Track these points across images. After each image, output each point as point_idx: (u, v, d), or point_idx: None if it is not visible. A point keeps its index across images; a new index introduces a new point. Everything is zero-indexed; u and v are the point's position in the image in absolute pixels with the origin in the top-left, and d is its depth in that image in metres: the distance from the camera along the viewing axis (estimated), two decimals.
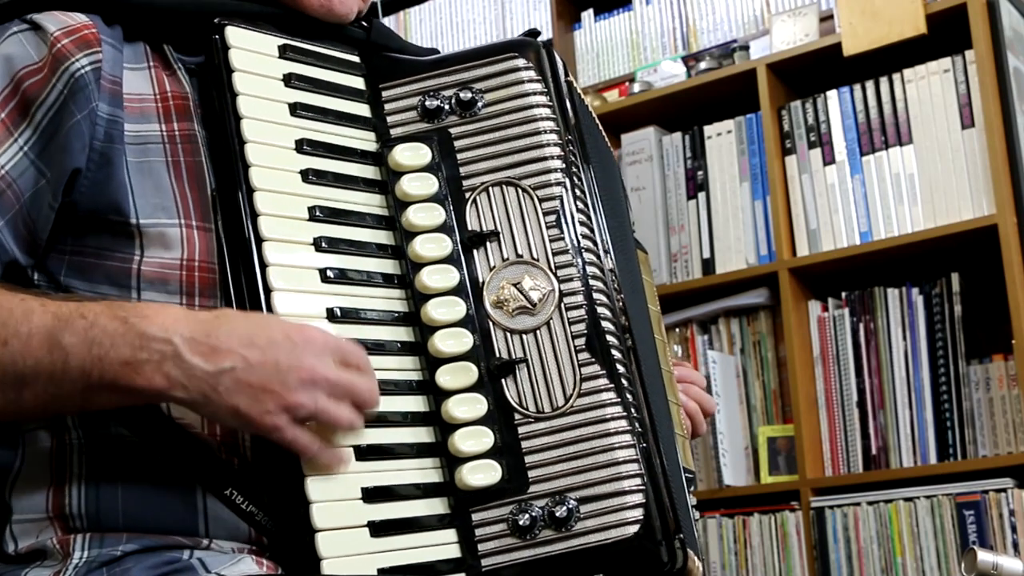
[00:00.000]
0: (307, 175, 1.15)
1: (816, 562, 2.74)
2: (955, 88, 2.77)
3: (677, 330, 3.07)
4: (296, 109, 1.17)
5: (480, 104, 1.22)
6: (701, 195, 3.05)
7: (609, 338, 1.16)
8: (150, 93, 1.16)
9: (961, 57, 2.76)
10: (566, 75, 1.28)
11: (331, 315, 1.11)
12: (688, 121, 3.11)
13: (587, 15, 3.39)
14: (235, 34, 1.16)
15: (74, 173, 1.10)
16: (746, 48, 3.05)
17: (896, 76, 2.84)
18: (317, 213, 1.13)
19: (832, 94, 2.91)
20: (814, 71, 2.96)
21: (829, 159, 2.89)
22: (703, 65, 3.09)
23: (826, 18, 2.97)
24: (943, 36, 2.77)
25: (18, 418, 1.09)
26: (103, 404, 1.05)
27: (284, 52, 1.19)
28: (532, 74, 1.23)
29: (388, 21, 3.71)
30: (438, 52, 1.30)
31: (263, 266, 1.09)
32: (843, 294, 2.87)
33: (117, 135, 1.11)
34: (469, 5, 3.58)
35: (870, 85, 2.87)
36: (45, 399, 1.03)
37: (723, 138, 3.05)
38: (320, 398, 1.03)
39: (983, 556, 1.40)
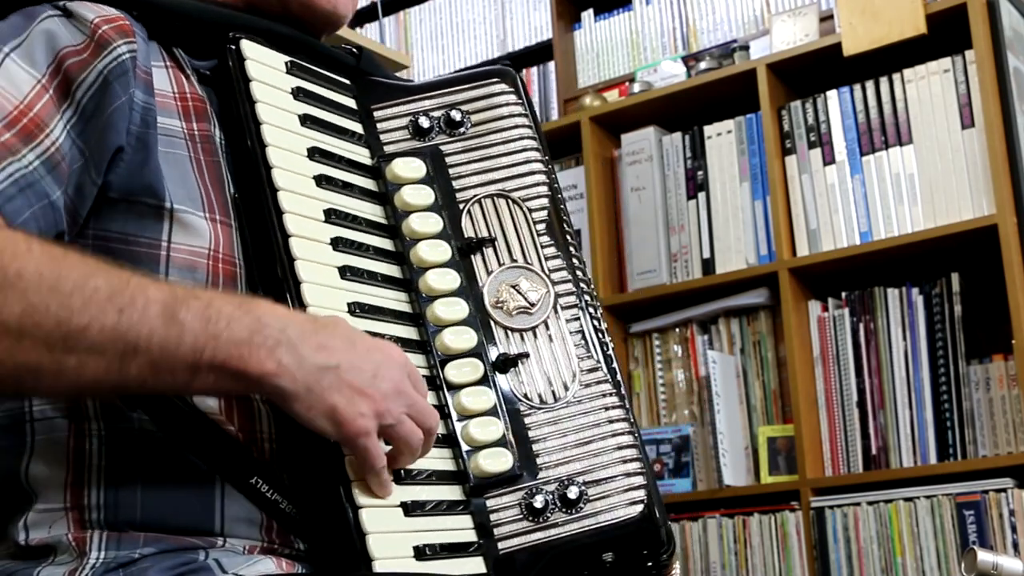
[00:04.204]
0: (320, 180, 1.20)
1: (816, 562, 2.75)
2: (955, 88, 2.77)
3: (677, 330, 3.07)
4: (305, 120, 1.23)
5: (468, 124, 1.31)
6: (701, 195, 3.06)
7: (600, 335, 1.24)
8: (170, 91, 1.18)
9: (961, 57, 2.77)
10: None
11: (352, 310, 1.15)
12: (688, 121, 3.11)
13: (587, 15, 3.40)
14: (250, 47, 1.22)
15: (117, 151, 1.11)
16: (746, 48, 3.06)
17: (896, 76, 2.84)
18: (332, 216, 1.19)
19: (832, 94, 2.91)
20: (814, 71, 2.96)
21: (829, 159, 2.90)
22: (703, 65, 3.09)
23: (826, 18, 2.98)
24: (943, 36, 2.78)
25: (115, 391, 1.08)
26: (204, 387, 1.05)
27: (290, 68, 1.26)
28: (513, 98, 1.33)
29: (388, 21, 3.71)
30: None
31: (291, 260, 1.13)
32: (843, 294, 2.87)
33: (152, 121, 1.13)
34: (469, 5, 3.58)
35: (870, 85, 2.87)
36: (148, 373, 1.01)
37: (723, 138, 3.05)
38: (403, 412, 1.07)
39: (983, 556, 1.40)
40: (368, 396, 1.04)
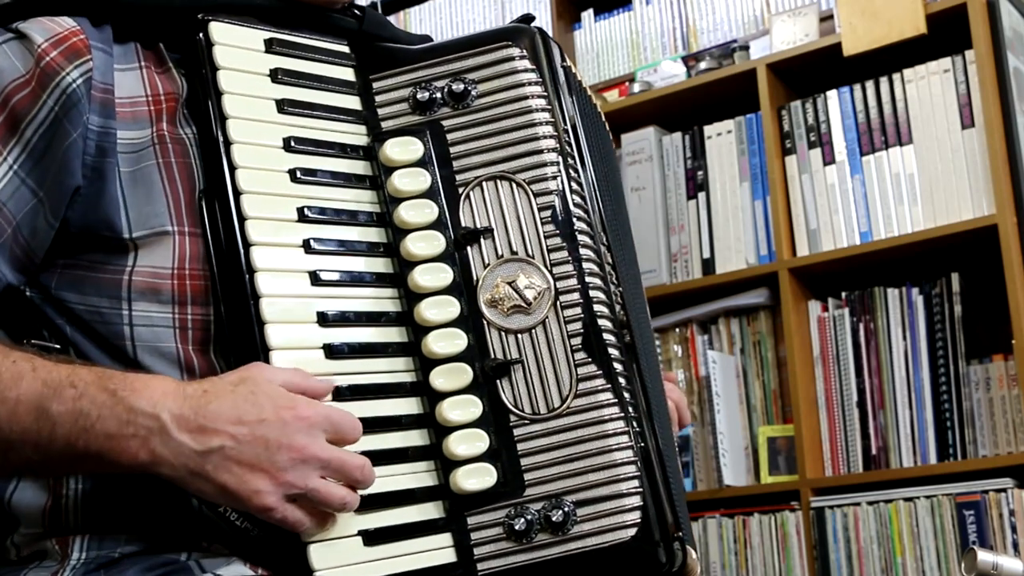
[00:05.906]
0: (295, 174, 1.12)
1: (816, 562, 2.74)
2: (955, 88, 2.77)
3: (677, 330, 3.07)
4: (283, 106, 1.14)
5: (473, 95, 1.18)
6: (701, 195, 3.05)
7: (606, 336, 1.14)
8: (142, 95, 1.13)
9: (961, 57, 2.76)
10: (563, 60, 1.24)
11: (321, 319, 1.09)
12: (688, 121, 3.11)
13: (587, 15, 3.39)
14: (219, 30, 1.13)
15: (75, 191, 1.08)
16: (746, 48, 3.05)
17: (896, 76, 2.84)
18: (306, 213, 1.11)
19: (832, 94, 2.91)
20: (814, 71, 2.96)
21: (829, 159, 2.89)
22: (703, 65, 3.09)
23: (826, 18, 2.97)
24: (943, 36, 2.77)
25: (11, 477, 1.09)
26: (89, 471, 1.05)
27: (270, 46, 1.16)
28: (527, 63, 1.19)
29: None
30: (431, 40, 1.27)
31: (251, 272, 1.07)
32: (843, 294, 2.87)
33: (109, 147, 1.09)
34: (469, 5, 3.58)
35: (870, 85, 2.86)
36: (31, 463, 1.03)
37: (723, 138, 3.05)
38: (311, 477, 1.01)
39: (983, 556, 1.40)
40: (263, 471, 0.99)
